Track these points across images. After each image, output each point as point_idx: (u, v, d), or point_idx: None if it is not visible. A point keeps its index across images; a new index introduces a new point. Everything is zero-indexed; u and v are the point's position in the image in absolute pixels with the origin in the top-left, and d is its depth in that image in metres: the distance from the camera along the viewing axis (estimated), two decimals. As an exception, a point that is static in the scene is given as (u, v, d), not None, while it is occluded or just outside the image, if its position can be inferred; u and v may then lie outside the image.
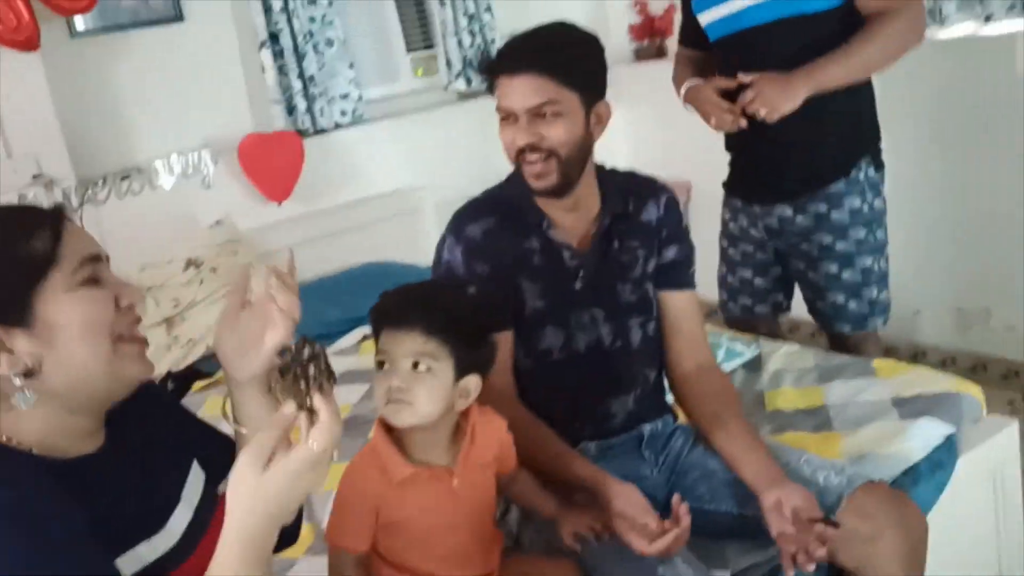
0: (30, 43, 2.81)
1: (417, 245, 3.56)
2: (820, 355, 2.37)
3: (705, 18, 2.38)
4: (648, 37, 4.18)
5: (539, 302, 1.70)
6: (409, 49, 3.99)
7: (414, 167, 3.81)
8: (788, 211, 2.38)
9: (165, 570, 1.09)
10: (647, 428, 1.78)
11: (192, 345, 2.95)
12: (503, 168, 1.73)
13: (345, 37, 3.58)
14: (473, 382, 1.42)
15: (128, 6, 3.21)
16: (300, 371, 0.99)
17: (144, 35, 3.26)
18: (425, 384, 1.36)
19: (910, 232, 2.67)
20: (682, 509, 1.44)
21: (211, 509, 1.20)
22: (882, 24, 2.16)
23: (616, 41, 4.19)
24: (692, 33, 2.48)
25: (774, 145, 2.28)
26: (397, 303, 1.42)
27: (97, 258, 1.09)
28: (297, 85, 3.47)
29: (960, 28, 3.03)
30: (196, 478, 1.22)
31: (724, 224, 2.60)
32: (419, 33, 4.01)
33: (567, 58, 1.61)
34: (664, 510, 1.52)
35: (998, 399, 2.66)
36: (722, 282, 2.65)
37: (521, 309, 1.69)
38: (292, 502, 0.98)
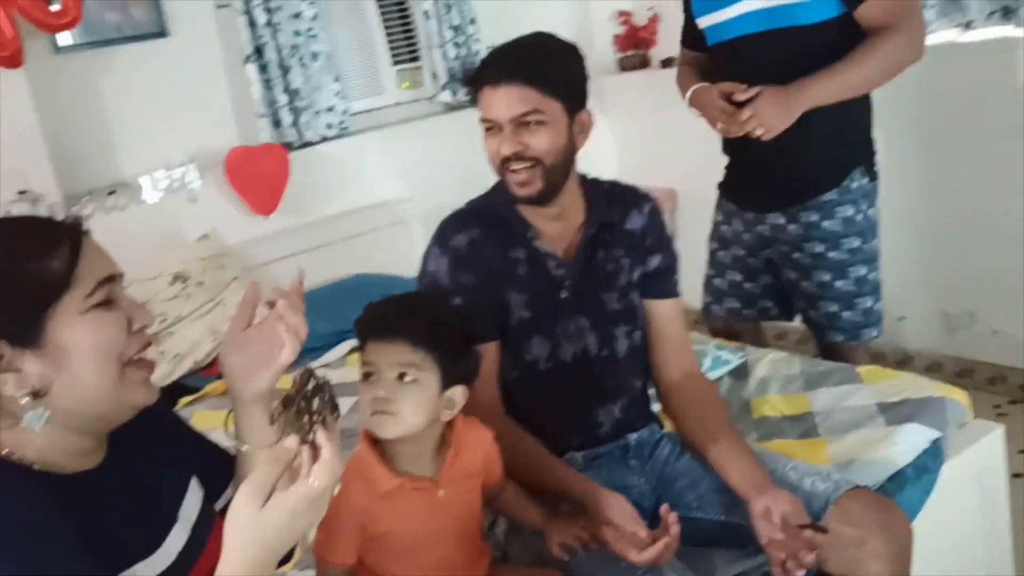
0: (14, 60, 2.81)
1: (404, 256, 3.54)
2: (806, 362, 2.38)
3: (704, 22, 2.38)
4: (632, 47, 4.20)
5: (525, 312, 1.70)
6: (395, 62, 4.00)
7: (400, 179, 3.82)
8: (781, 219, 2.39)
9: None
10: (633, 437, 1.78)
11: (179, 360, 2.94)
12: (488, 178, 1.73)
13: (331, 50, 3.58)
14: (458, 392, 1.42)
15: (112, 21, 3.21)
16: (304, 404, 0.98)
17: (129, 50, 3.26)
18: (411, 395, 1.36)
19: (895, 237, 2.68)
20: (671, 518, 1.44)
21: (209, 527, 1.19)
22: (882, 40, 2.14)
23: (601, 52, 4.21)
24: (693, 35, 2.48)
25: (768, 154, 2.26)
26: (382, 314, 1.42)
27: (112, 278, 1.08)
28: (283, 99, 3.47)
29: (941, 36, 3.05)
30: (194, 496, 1.21)
31: (715, 226, 2.60)
32: (404, 45, 4.02)
33: (549, 68, 1.62)
34: (652, 519, 1.52)
35: (984, 403, 2.67)
36: (707, 284, 2.64)
37: (507, 319, 1.69)
38: (291, 537, 0.97)
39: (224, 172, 3.39)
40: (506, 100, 1.60)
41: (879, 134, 2.38)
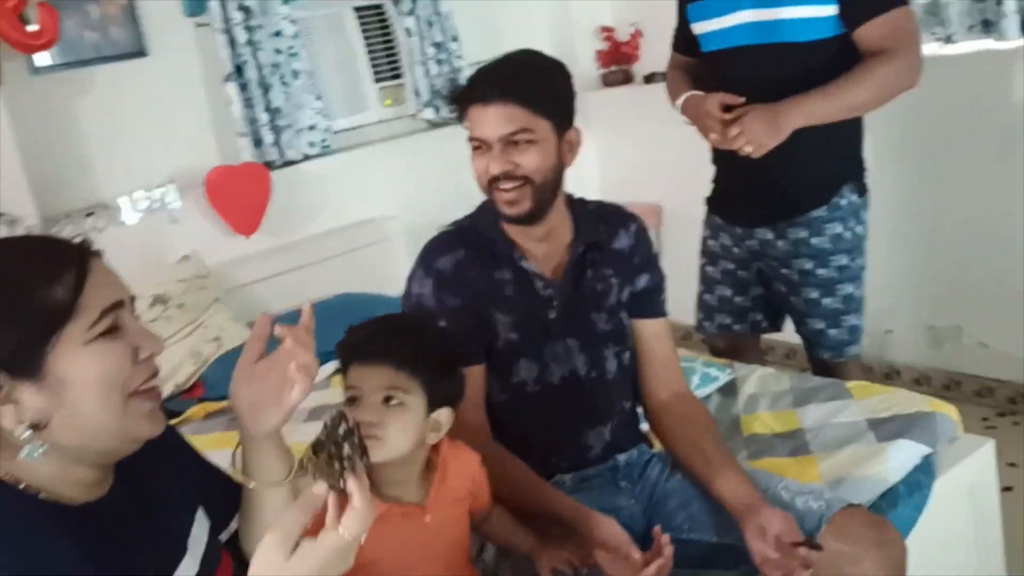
0: (-10, 81, 2.77)
1: (389, 274, 3.51)
2: (795, 377, 2.36)
3: (700, 28, 2.36)
4: (615, 63, 4.21)
5: (512, 334, 1.68)
6: (377, 79, 3.99)
7: (383, 197, 3.79)
8: (769, 235, 2.37)
9: None
10: (623, 458, 1.77)
11: (160, 383, 2.89)
12: (473, 196, 1.71)
13: (312, 68, 3.56)
14: (445, 415, 1.40)
15: (90, 41, 3.17)
16: (335, 449, 0.94)
17: (107, 70, 3.22)
18: (397, 418, 1.34)
19: (880, 251, 2.67)
20: (664, 540, 1.43)
21: (217, 559, 1.16)
22: (880, 63, 2.11)
23: (584, 67, 4.21)
24: (685, 40, 2.46)
25: (757, 168, 2.21)
26: (366, 337, 1.40)
27: (120, 304, 1.03)
28: (263, 118, 3.44)
29: (923, 49, 3.05)
30: (201, 528, 1.17)
31: (703, 242, 2.58)
32: (386, 63, 4.00)
33: (539, 86, 1.61)
34: (643, 541, 1.50)
35: (972, 416, 2.66)
36: (699, 301, 2.62)
37: (494, 342, 1.67)
38: None
39: (205, 192, 3.35)
40: (496, 119, 1.58)
41: (864, 148, 2.38)
